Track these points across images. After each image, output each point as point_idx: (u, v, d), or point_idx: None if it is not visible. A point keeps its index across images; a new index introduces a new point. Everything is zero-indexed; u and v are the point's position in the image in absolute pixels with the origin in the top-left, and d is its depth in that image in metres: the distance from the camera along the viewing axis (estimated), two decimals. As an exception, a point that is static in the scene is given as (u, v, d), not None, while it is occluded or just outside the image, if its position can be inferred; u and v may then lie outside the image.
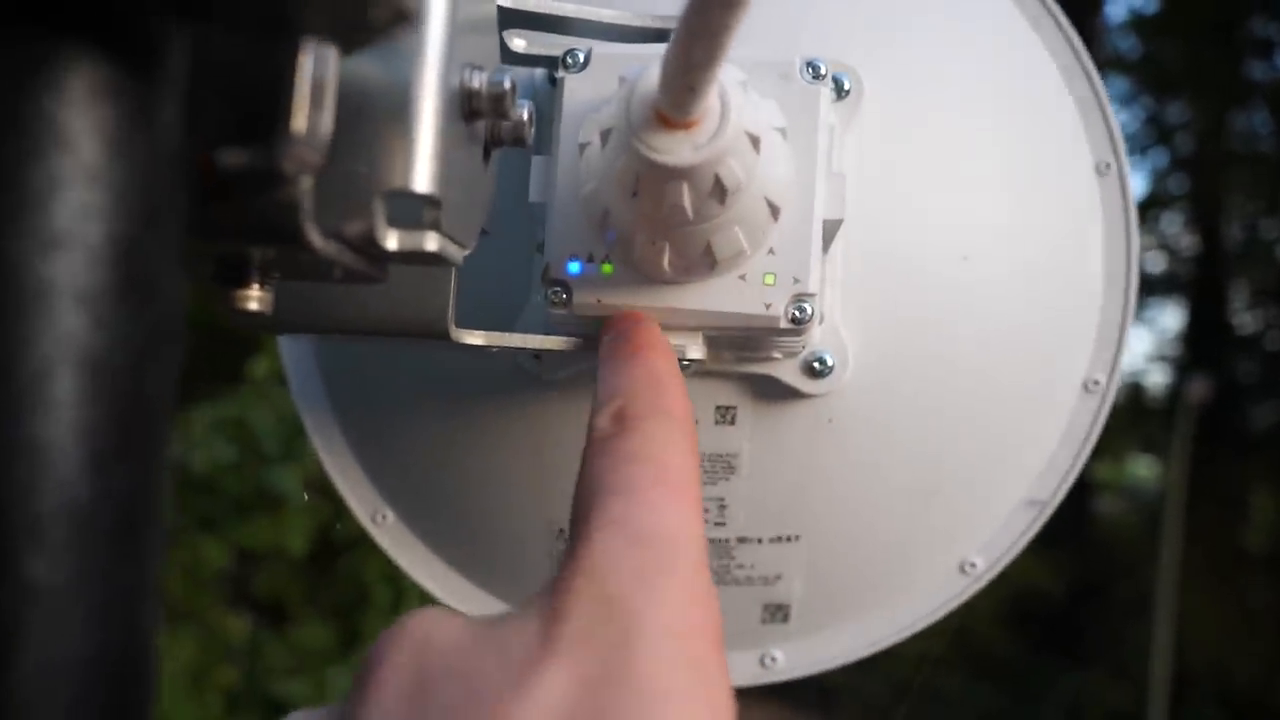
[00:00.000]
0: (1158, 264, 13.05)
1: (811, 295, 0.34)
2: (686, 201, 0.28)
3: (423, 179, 0.22)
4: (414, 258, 0.24)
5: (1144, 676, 7.67)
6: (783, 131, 0.32)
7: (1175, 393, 11.15)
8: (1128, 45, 12.29)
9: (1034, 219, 0.45)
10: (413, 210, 0.23)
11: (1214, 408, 8.68)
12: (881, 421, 0.41)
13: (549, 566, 0.45)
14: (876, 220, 0.41)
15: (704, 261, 0.32)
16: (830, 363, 0.39)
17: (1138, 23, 11.65)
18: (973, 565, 0.46)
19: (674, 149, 0.26)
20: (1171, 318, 13.19)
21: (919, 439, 0.43)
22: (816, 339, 0.39)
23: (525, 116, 0.27)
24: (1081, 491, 11.03)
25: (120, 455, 0.16)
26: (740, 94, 0.28)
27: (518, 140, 0.28)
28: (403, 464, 0.48)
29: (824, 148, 0.34)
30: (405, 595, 2.76)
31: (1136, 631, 8.68)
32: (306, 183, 0.20)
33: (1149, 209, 12.17)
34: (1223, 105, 10.07)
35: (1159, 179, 12.25)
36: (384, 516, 0.48)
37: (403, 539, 0.48)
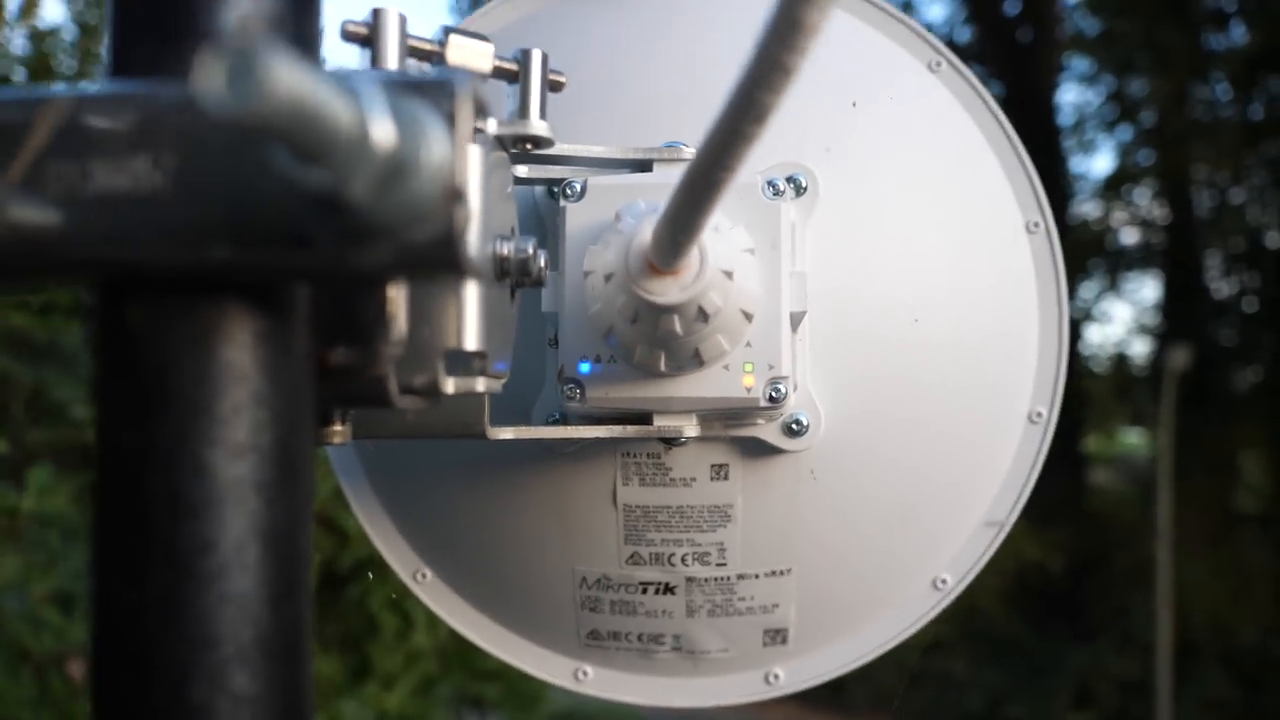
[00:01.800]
0: (1131, 237, 13.22)
1: (785, 377, 0.40)
2: (677, 326, 0.35)
3: (471, 339, 0.29)
4: (466, 395, 0.30)
5: (1150, 646, 7.75)
6: (751, 251, 0.39)
7: (1158, 362, 11.30)
8: (1088, 25, 12.48)
9: (974, 278, 0.52)
10: (466, 362, 0.29)
11: (1196, 374, 8.81)
12: (855, 467, 0.48)
13: (574, 611, 0.51)
14: (837, 295, 0.48)
15: (693, 362, 0.38)
16: (806, 423, 0.46)
17: (1096, 2, 11.82)
18: (944, 581, 0.53)
19: (665, 291, 0.33)
20: (1149, 289, 13.40)
21: (888, 478, 0.49)
22: (793, 403, 0.45)
23: (542, 264, 0.34)
24: (1076, 468, 11.11)
25: (288, 595, 0.23)
26: (715, 239, 0.34)
27: (537, 283, 0.34)
28: (438, 527, 0.54)
29: (787, 254, 0.41)
30: (413, 623, 2.80)
31: (1138, 601, 8.79)
32: (390, 366, 0.26)
33: (1119, 184, 12.33)
34: (1183, 78, 10.22)
35: (1126, 153, 12.42)
36: (424, 575, 0.54)
37: (442, 594, 0.54)
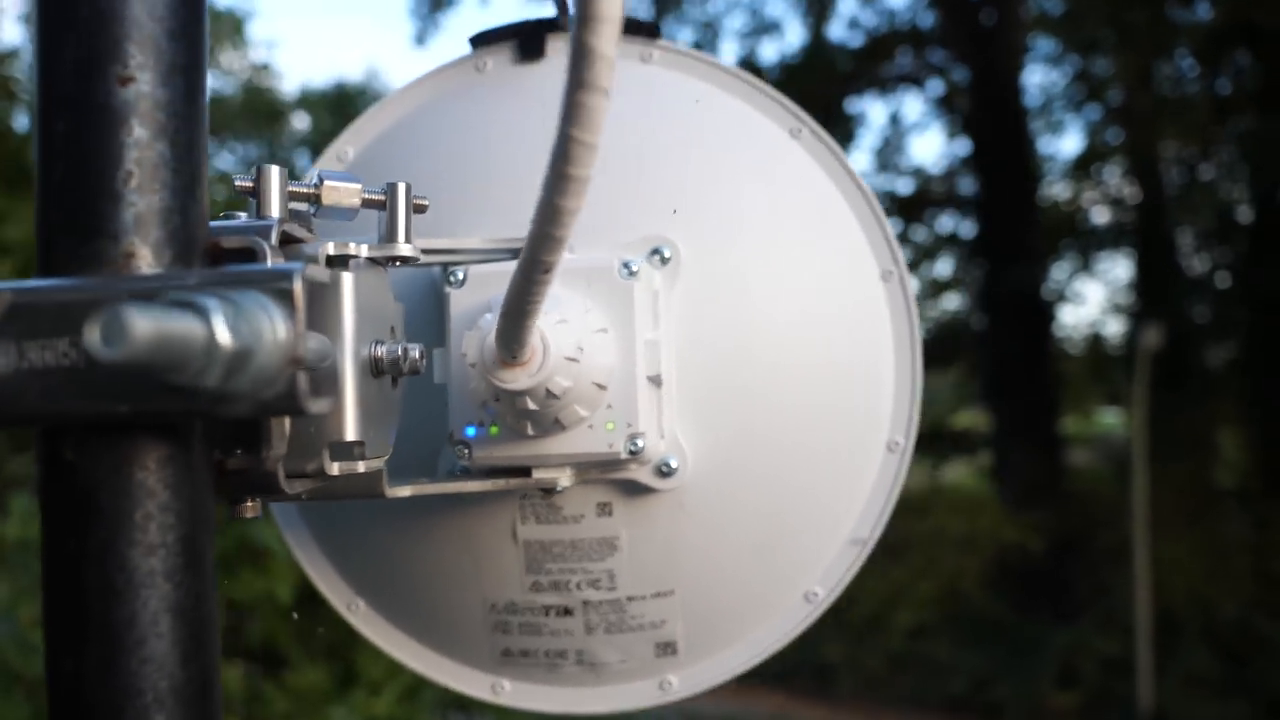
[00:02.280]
0: (1102, 217, 13.35)
1: (642, 433, 0.48)
2: (530, 405, 0.43)
3: (351, 430, 0.36)
4: (350, 476, 0.38)
5: (1131, 624, 7.87)
6: (605, 330, 0.46)
7: (1132, 341, 11.43)
8: (1051, 4, 12.56)
9: (832, 325, 0.59)
10: (347, 450, 0.37)
11: (1171, 352, 8.92)
12: (723, 499, 0.56)
13: (488, 633, 0.58)
14: (704, 348, 0.55)
15: (555, 427, 0.46)
16: (674, 465, 0.53)
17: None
18: (815, 594, 0.60)
19: (515, 379, 0.41)
20: (1122, 268, 13.53)
21: (756, 507, 0.57)
22: (662, 448, 0.53)
23: (417, 356, 0.41)
24: (1054, 450, 11.19)
25: (195, 655, 0.30)
26: (558, 330, 0.42)
27: (414, 372, 0.41)
28: (367, 563, 0.61)
29: (641, 325, 0.48)
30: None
31: (1120, 580, 8.91)
32: (277, 464, 0.33)
33: (1088, 163, 12.44)
34: (1149, 55, 10.32)
35: (1094, 133, 12.53)
36: (357, 605, 0.62)
37: (374, 621, 0.62)
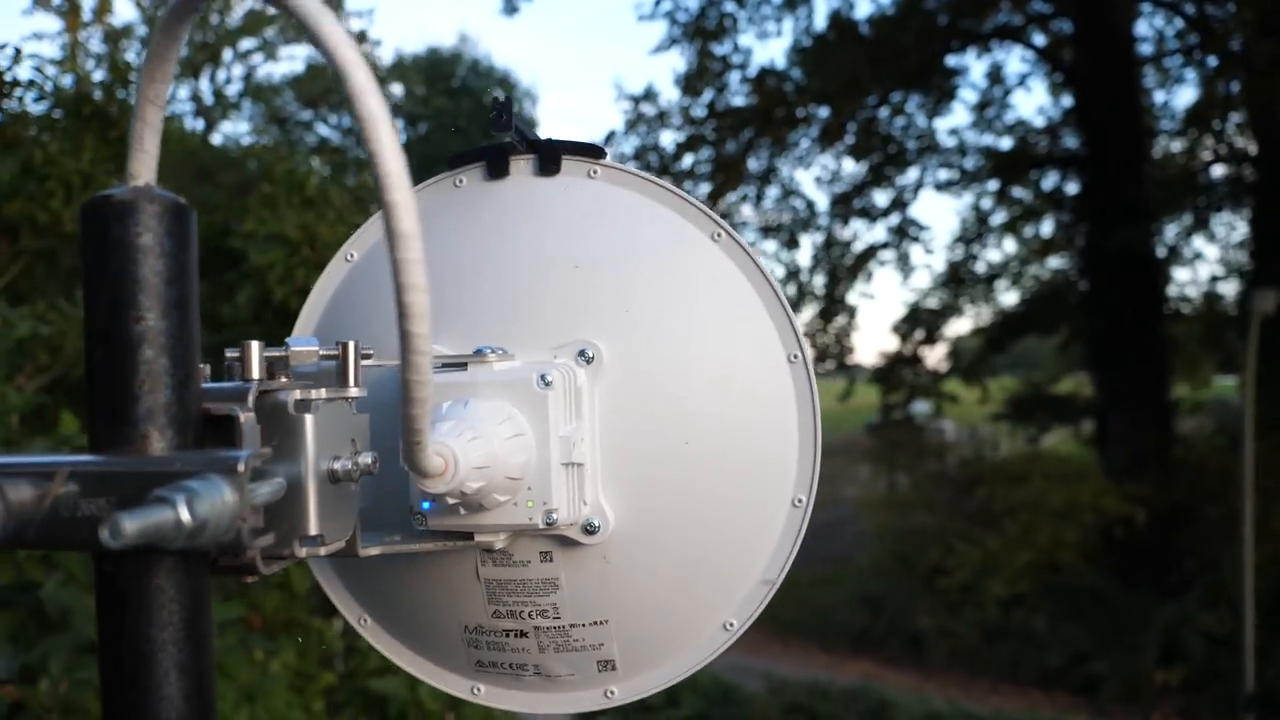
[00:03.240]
0: (1218, 172, 12.67)
1: (556, 509, 0.62)
2: (450, 501, 0.57)
3: (313, 527, 0.51)
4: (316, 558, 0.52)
5: (1240, 600, 7.58)
6: (521, 434, 0.60)
7: (1245, 304, 10.88)
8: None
9: (746, 402, 0.71)
10: (313, 540, 0.51)
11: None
12: (649, 548, 0.69)
13: (465, 647, 0.73)
14: (621, 427, 0.68)
15: (480, 509, 0.60)
16: (598, 524, 0.67)
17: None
18: (731, 624, 0.73)
19: (433, 486, 0.55)
20: (1240, 228, 12.81)
21: (680, 552, 0.70)
22: (589, 510, 0.66)
23: (370, 462, 0.55)
24: (1162, 418, 10.71)
25: (197, 695, 0.45)
26: (468, 447, 0.56)
27: (368, 474, 0.55)
28: (371, 588, 0.77)
29: (554, 426, 0.62)
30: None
31: (1228, 554, 8.60)
32: (256, 557, 0.48)
33: (1204, 116, 11.80)
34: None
35: (1210, 83, 11.87)
36: (365, 620, 0.78)
37: (378, 634, 0.78)
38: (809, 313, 13.52)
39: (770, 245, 13.65)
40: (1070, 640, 9.17)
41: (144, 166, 0.43)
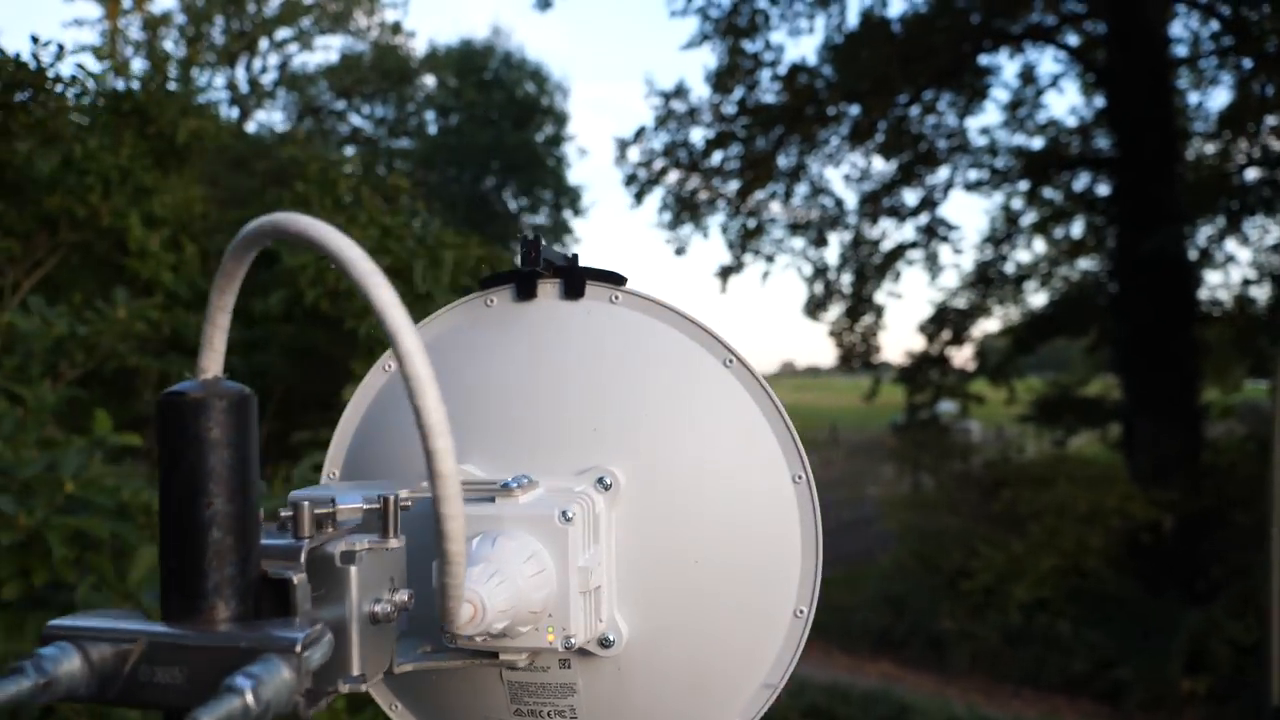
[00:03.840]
0: (1253, 175, 12.47)
1: (574, 634, 0.66)
2: (479, 636, 0.61)
3: (356, 668, 0.54)
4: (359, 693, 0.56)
5: (1268, 609, 7.51)
6: (541, 571, 0.64)
7: (1277, 312, 10.74)
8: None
9: (752, 520, 0.75)
10: (356, 679, 0.55)
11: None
12: (660, 656, 0.73)
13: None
14: (635, 547, 0.72)
15: (505, 637, 0.64)
16: (613, 639, 0.71)
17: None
18: None
19: (462, 630, 0.59)
20: (1275, 231, 12.61)
21: (690, 659, 0.74)
22: (604, 626, 0.70)
23: (405, 599, 0.59)
24: (1191, 422, 10.57)
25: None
26: (492, 591, 0.59)
27: (405, 609, 0.59)
28: (403, 676, 0.81)
29: (573, 558, 0.65)
30: None
31: (1258, 561, 8.51)
32: (305, 709, 0.52)
33: (1238, 119, 11.62)
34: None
35: (1245, 85, 11.68)
36: (396, 705, 0.82)
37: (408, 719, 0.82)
38: (835, 311, 13.52)
39: (798, 242, 13.66)
40: (1094, 646, 9.11)
41: (213, 363, 0.46)
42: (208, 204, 5.69)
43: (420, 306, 3.82)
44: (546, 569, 0.66)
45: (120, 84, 5.82)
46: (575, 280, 0.79)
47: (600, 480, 0.73)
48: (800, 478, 0.76)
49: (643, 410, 0.76)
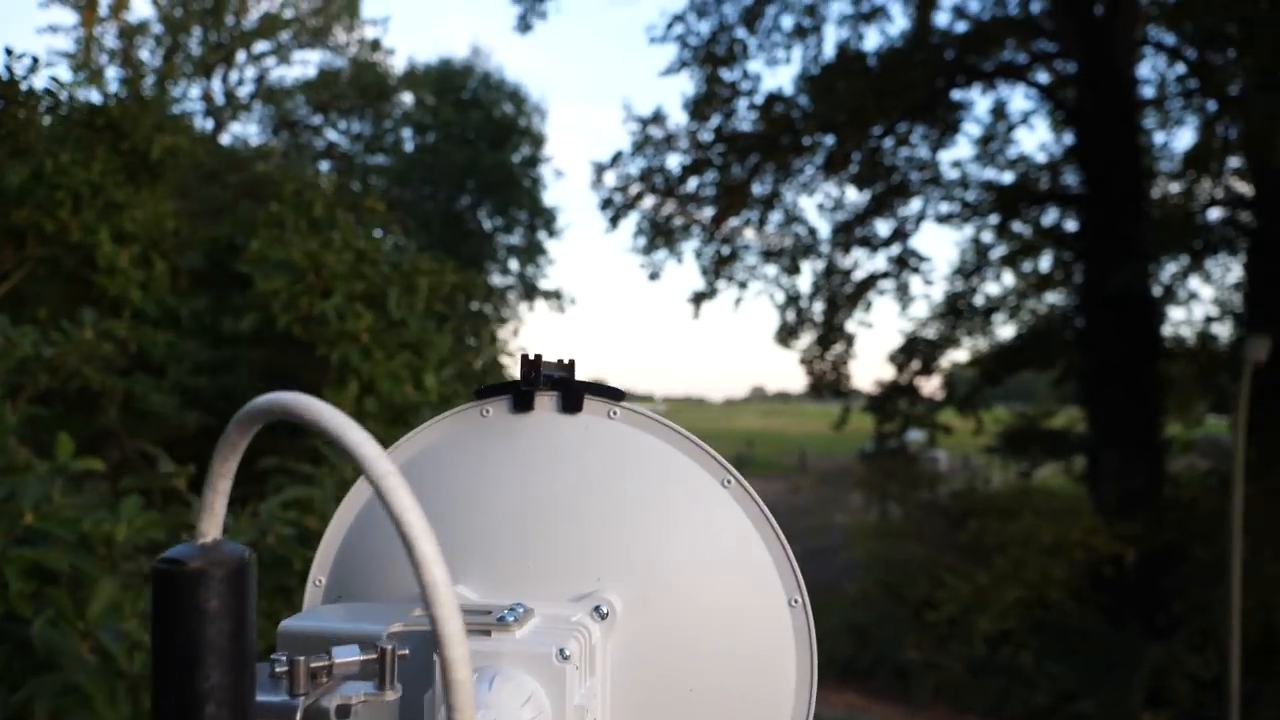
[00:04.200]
0: (1216, 215, 12.72)
1: None
2: None
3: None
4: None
5: (1228, 644, 7.60)
6: (540, 713, 0.63)
7: (1238, 350, 10.93)
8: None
9: (748, 645, 0.74)
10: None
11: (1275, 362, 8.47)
12: None
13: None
14: (630, 673, 0.72)
15: None
16: None
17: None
18: None
19: None
20: (1235, 270, 12.88)
21: None
22: None
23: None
24: (1154, 457, 10.70)
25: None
26: None
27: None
28: None
29: (570, 695, 0.65)
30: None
31: (1218, 596, 8.62)
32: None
33: (1202, 159, 11.87)
34: (1275, 41, 9.72)
35: (1209, 127, 11.93)
36: None
37: None
38: (807, 339, 13.60)
39: (771, 270, 13.74)
40: (1057, 678, 9.17)
41: (212, 527, 0.46)
42: (179, 219, 5.62)
43: (394, 333, 3.79)
44: (544, 712, 0.65)
45: (95, 95, 5.76)
46: (573, 395, 0.78)
47: (597, 609, 0.71)
48: (796, 601, 0.76)
49: (639, 532, 0.75)
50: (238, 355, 4.84)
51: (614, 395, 0.79)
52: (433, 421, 0.82)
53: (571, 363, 0.77)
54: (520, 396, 0.79)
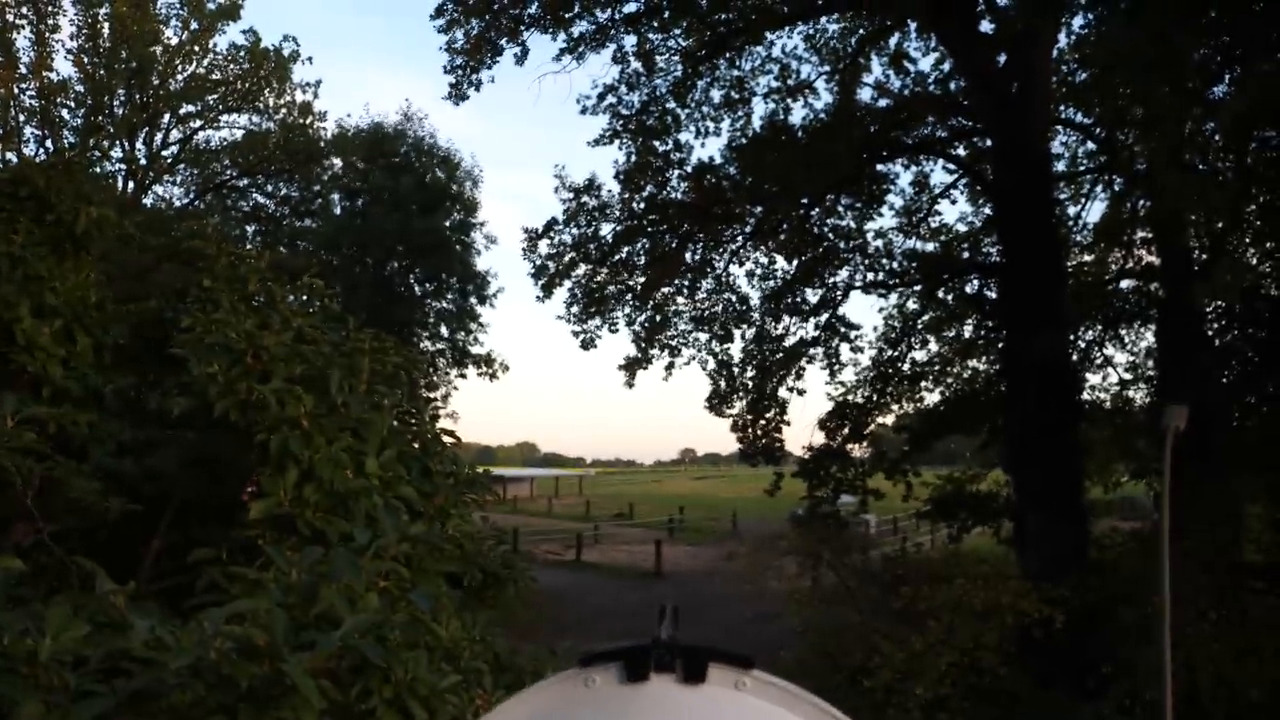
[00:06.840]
0: (1128, 284, 13.29)
1: None
2: None
3: None
4: None
5: (1159, 703, 7.71)
6: None
7: (1153, 414, 11.34)
8: (1080, 77, 12.60)
9: None
10: None
11: (1196, 422, 8.78)
12: None
13: None
14: None
15: None
16: None
17: (1086, 57, 11.94)
18: None
19: None
20: (1148, 337, 13.44)
21: None
22: None
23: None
24: (1078, 520, 10.96)
25: None
26: None
27: None
28: None
29: None
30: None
31: (1144, 657, 8.78)
32: None
33: (1114, 231, 12.41)
34: (1177, 129, 10.28)
35: (1118, 202, 12.52)
36: None
37: None
38: (739, 405, 13.69)
39: (703, 336, 13.85)
40: (992, 745, 9.17)
41: None
42: (104, 290, 5.42)
43: (336, 419, 3.68)
44: None
45: (10, 155, 5.57)
46: (696, 662, 0.68)
47: None
48: None
49: None
50: (165, 435, 4.64)
51: (743, 664, 0.70)
52: (526, 692, 0.73)
53: (676, 609, 0.70)
54: (633, 663, 0.69)
